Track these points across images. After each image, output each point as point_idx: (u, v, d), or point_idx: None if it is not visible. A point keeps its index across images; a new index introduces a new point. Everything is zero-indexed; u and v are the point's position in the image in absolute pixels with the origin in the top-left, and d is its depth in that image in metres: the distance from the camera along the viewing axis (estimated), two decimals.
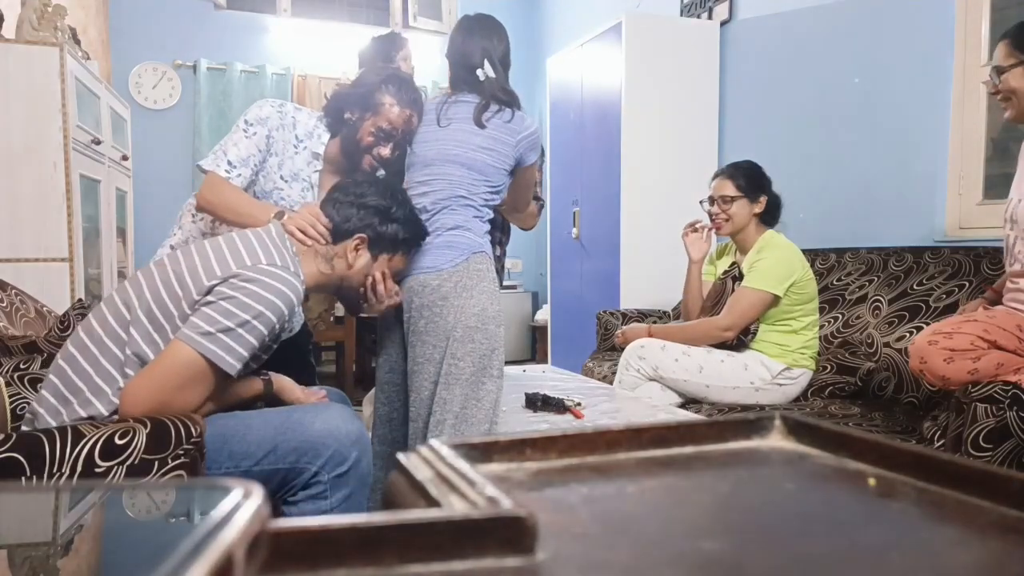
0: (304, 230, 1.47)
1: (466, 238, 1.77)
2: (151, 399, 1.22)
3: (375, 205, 1.52)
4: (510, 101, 1.84)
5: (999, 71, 1.74)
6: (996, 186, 2.38)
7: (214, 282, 1.27)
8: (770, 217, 2.37)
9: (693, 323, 2.35)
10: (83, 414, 1.27)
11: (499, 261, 2.42)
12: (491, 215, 1.87)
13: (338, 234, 1.50)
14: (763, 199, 2.33)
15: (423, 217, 1.70)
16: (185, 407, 1.25)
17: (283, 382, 1.51)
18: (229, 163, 1.72)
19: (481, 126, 1.80)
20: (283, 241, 1.43)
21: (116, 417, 1.27)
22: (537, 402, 2.00)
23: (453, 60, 1.88)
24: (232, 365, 1.26)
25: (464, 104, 1.84)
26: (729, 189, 2.32)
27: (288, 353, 1.93)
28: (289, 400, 1.51)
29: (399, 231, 1.55)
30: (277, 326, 1.31)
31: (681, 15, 3.88)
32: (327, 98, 1.89)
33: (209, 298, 1.26)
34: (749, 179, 2.33)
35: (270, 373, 1.51)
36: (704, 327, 2.28)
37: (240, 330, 1.25)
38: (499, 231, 2.44)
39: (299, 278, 1.37)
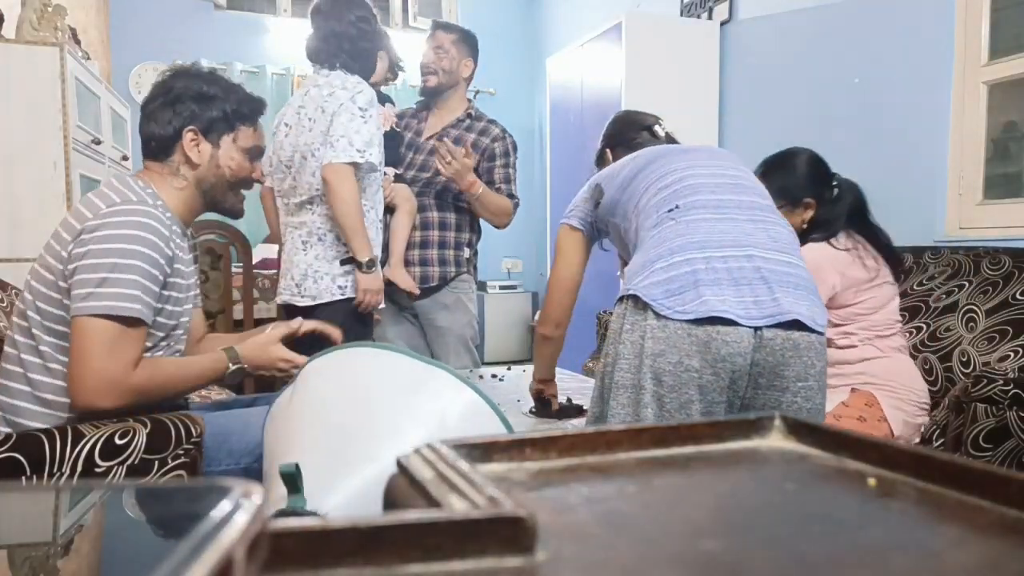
0: None
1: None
2: (91, 382, 1.20)
3: (185, 92, 1.40)
4: None
5: None
6: (996, 186, 2.38)
7: (68, 248, 1.25)
8: None
9: None
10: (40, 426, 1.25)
11: (470, 263, 2.47)
12: None
13: (168, 141, 1.39)
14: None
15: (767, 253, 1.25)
16: (125, 369, 1.22)
17: (259, 349, 1.42)
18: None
19: None
20: (133, 182, 1.36)
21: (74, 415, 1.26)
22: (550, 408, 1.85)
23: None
24: (131, 308, 1.22)
25: None
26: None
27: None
28: (265, 347, 1.41)
29: (225, 105, 1.43)
30: (157, 255, 1.26)
31: (681, 15, 3.88)
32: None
33: (72, 265, 1.24)
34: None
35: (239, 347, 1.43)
36: None
37: (113, 274, 1.21)
38: (470, 231, 2.45)
39: (148, 203, 1.30)
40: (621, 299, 1.28)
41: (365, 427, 1.07)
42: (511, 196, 2.40)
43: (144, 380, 1.24)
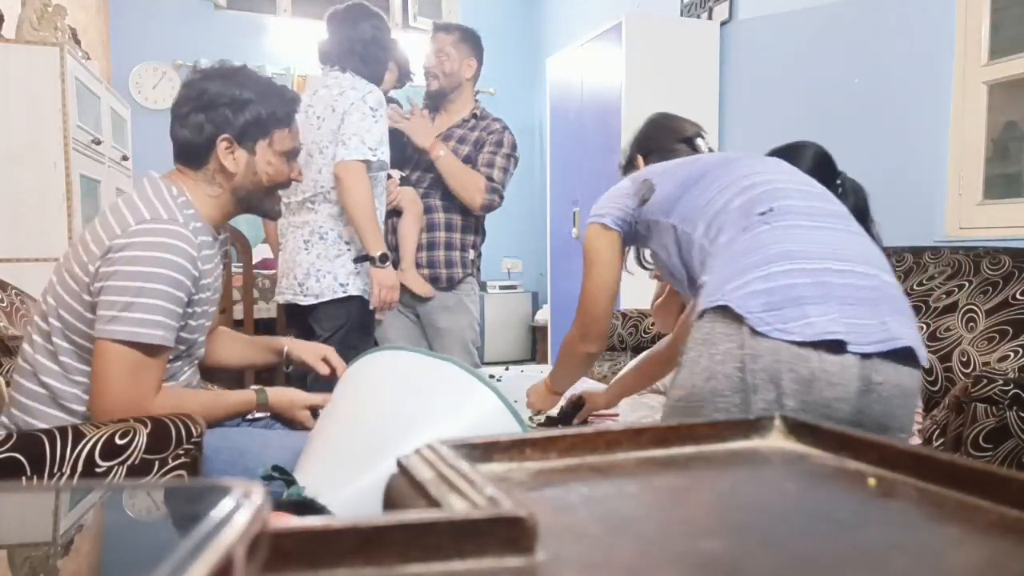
0: None
1: None
2: (111, 406, 1.20)
3: (219, 98, 1.32)
4: None
5: None
6: (996, 186, 2.38)
7: (96, 264, 1.23)
8: None
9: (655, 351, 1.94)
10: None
11: (474, 264, 2.51)
12: None
13: (202, 149, 1.33)
14: None
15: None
16: (145, 395, 1.22)
17: (284, 395, 1.45)
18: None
19: None
20: (166, 189, 1.30)
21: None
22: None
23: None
24: (155, 335, 1.20)
25: None
26: None
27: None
28: (293, 407, 1.45)
29: (259, 110, 1.34)
30: (183, 277, 1.23)
31: (681, 15, 3.88)
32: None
33: (98, 284, 1.22)
34: None
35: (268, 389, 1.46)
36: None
37: (139, 299, 1.19)
38: (475, 233, 2.46)
39: (178, 220, 1.26)
40: (703, 313, 1.09)
41: (382, 425, 1.08)
42: (490, 180, 2.37)
43: (164, 412, 1.24)
